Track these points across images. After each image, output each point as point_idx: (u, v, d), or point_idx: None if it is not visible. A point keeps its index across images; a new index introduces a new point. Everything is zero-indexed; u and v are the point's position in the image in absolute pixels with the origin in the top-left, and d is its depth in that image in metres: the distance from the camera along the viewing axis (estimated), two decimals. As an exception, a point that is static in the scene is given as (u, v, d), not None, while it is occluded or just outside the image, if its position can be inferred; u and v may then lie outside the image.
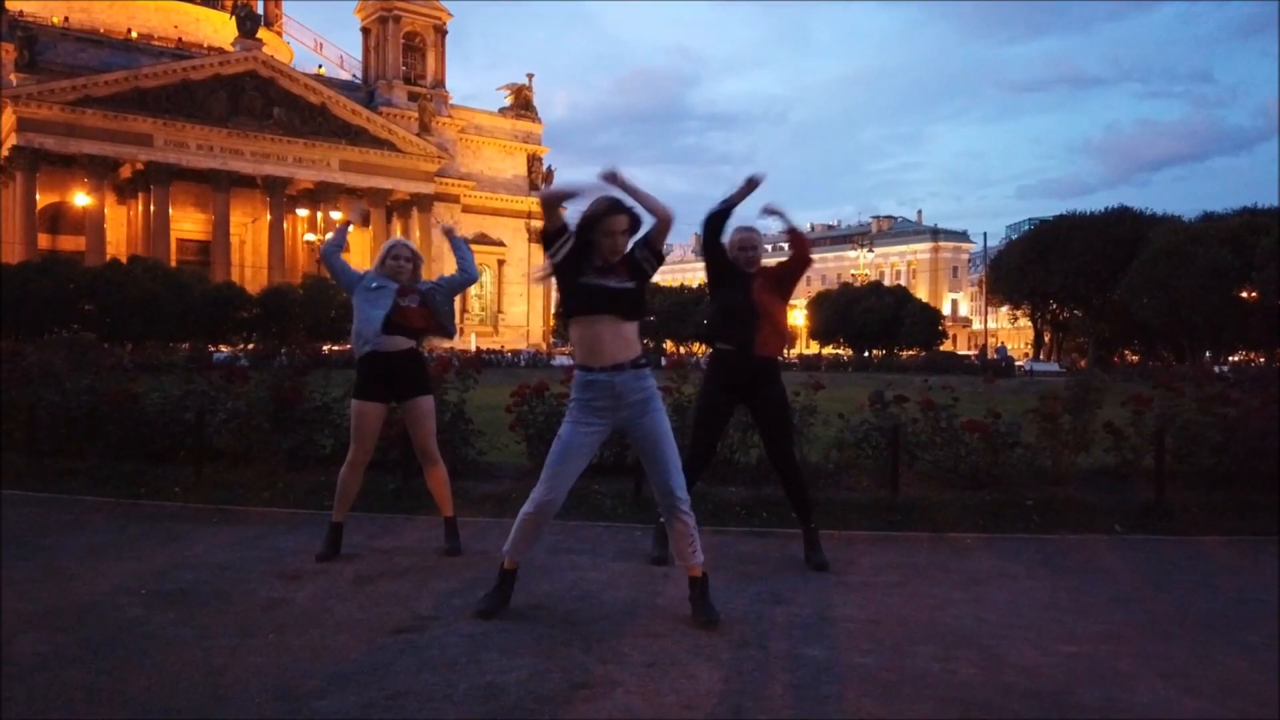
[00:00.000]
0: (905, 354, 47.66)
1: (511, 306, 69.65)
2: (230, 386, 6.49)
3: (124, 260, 41.41)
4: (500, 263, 69.98)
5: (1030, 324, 62.62)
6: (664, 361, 43.27)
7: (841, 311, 47.87)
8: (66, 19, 59.57)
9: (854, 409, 6.27)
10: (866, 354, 49.18)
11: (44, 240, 51.29)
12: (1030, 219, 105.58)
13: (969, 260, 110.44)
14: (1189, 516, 5.26)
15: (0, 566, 4.07)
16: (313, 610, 3.51)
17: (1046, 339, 60.83)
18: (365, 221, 4.86)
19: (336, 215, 49.53)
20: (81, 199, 49.77)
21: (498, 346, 54.86)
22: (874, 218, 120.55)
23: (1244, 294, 40.96)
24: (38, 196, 49.99)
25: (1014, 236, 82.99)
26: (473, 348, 50.91)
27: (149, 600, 3.60)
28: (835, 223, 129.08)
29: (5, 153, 50.56)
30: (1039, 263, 49.68)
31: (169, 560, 4.30)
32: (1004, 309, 65.88)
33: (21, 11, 55.25)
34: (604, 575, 4.11)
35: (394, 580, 3.98)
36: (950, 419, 5.86)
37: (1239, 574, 4.36)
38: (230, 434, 6.10)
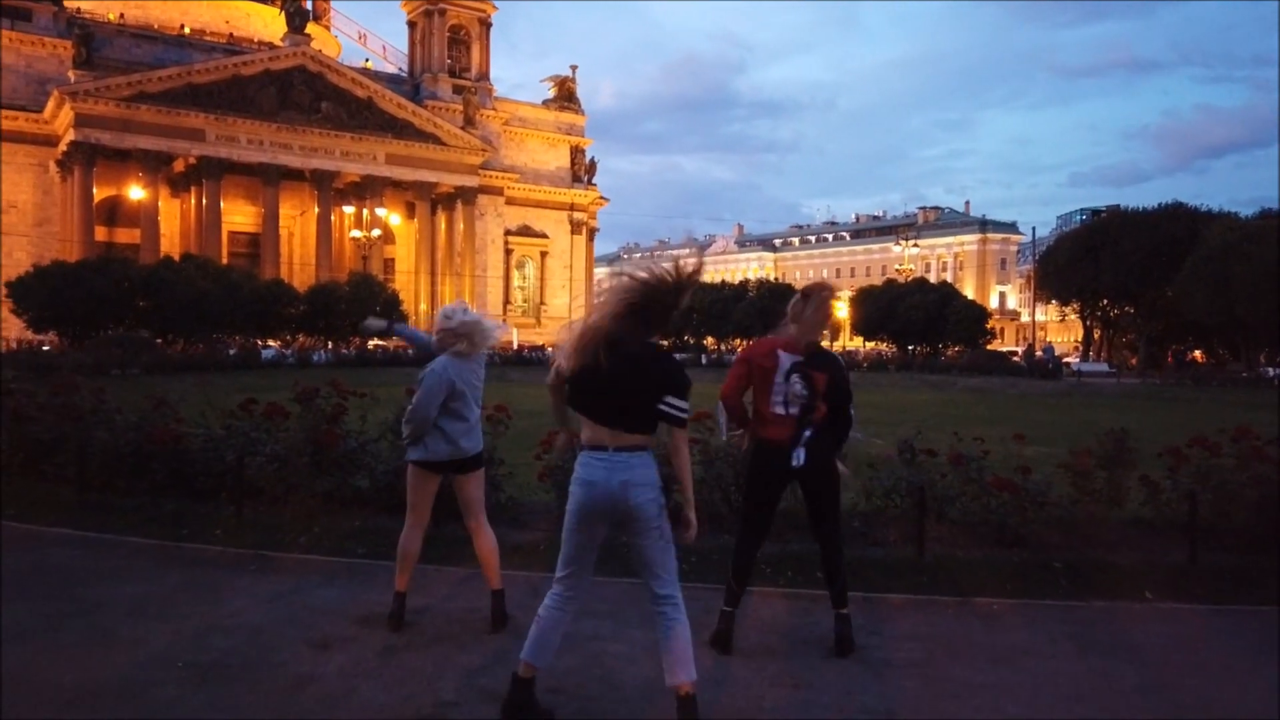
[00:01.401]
0: (951, 350, 47.05)
1: (554, 298, 69.99)
2: (271, 424, 6.64)
3: (177, 255, 42.41)
4: (543, 254, 70.41)
5: (1079, 320, 61.50)
6: (704, 359, 43.24)
7: (885, 308, 47.37)
8: (122, 15, 60.86)
9: (882, 458, 6.25)
10: (911, 349, 48.70)
11: (101, 232, 52.66)
12: (1082, 209, 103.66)
13: (1017, 252, 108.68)
14: (1222, 582, 5.17)
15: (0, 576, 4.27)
16: (339, 690, 3.62)
17: (1096, 336, 59.73)
18: None
19: (382, 212, 50.20)
20: (136, 193, 50.97)
21: (540, 340, 55.25)
22: (920, 208, 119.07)
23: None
24: (94, 190, 51.25)
25: (1065, 226, 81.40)
26: (514, 344, 51.31)
27: (183, 677, 3.73)
28: (881, 213, 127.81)
29: (64, 148, 51.94)
30: (1089, 259, 48.77)
31: (206, 621, 4.44)
32: (1054, 303, 64.74)
33: (79, 9, 56.58)
34: (626, 647, 4.16)
35: (421, 653, 4.07)
36: (980, 472, 5.81)
37: (1270, 654, 4.28)
38: (270, 475, 6.26)
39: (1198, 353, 52.49)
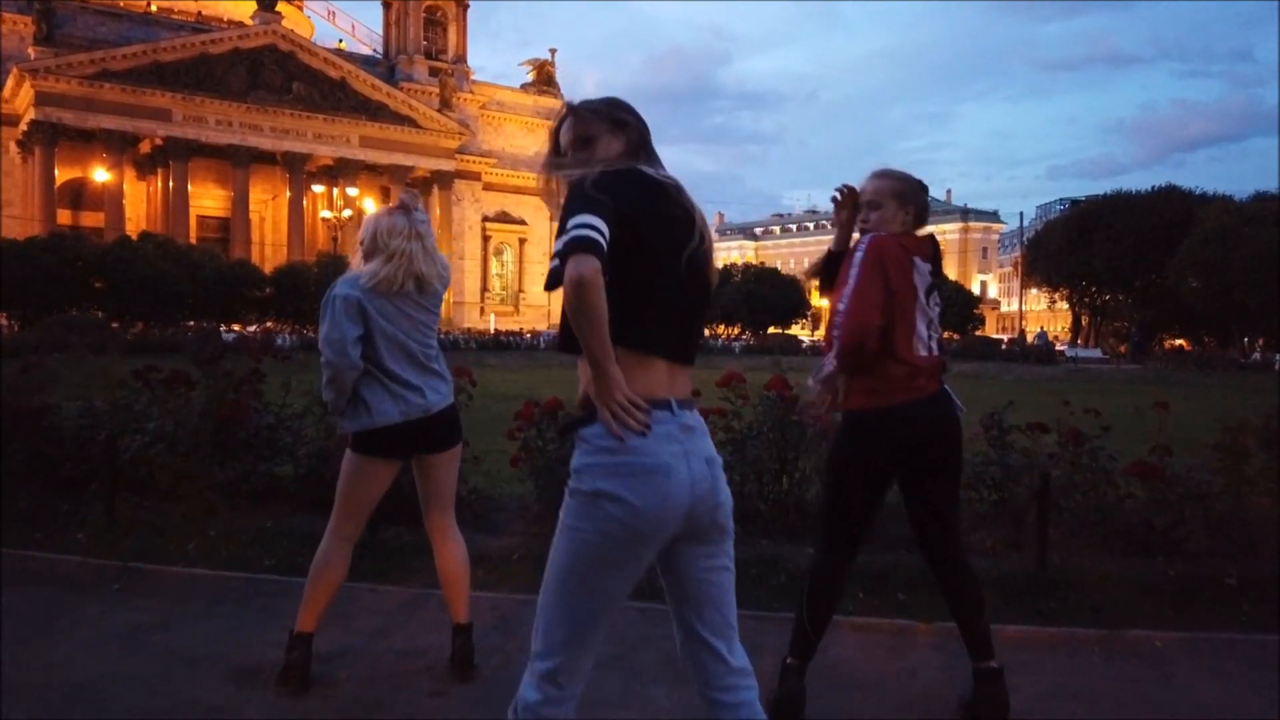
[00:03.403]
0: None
1: (533, 286, 68.19)
2: (168, 395, 5.11)
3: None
4: (521, 241, 68.57)
5: (1068, 307, 60.45)
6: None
7: (874, 294, 46.09)
8: (86, -8, 58.53)
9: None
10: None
11: (65, 216, 50.43)
12: (1061, 199, 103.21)
13: (999, 241, 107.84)
14: None
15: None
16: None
17: (1084, 323, 58.67)
18: None
19: (353, 192, 48.38)
20: (101, 175, 48.88)
21: (517, 327, 53.64)
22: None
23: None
24: (57, 172, 49.11)
25: (1044, 217, 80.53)
26: (491, 329, 49.77)
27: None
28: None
29: (24, 127, 49.74)
30: (1081, 244, 47.68)
31: (12, 674, 2.93)
32: (1035, 291, 63.70)
33: (41, -15, 54.19)
34: (640, 715, 2.70)
35: (319, 734, 2.59)
36: (1095, 454, 4.37)
37: None
38: (155, 460, 4.73)
39: (1182, 341, 51.46)
